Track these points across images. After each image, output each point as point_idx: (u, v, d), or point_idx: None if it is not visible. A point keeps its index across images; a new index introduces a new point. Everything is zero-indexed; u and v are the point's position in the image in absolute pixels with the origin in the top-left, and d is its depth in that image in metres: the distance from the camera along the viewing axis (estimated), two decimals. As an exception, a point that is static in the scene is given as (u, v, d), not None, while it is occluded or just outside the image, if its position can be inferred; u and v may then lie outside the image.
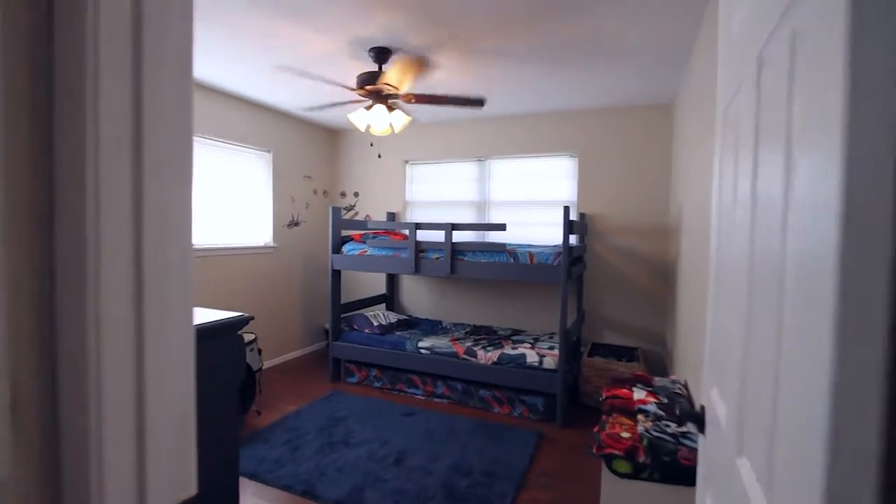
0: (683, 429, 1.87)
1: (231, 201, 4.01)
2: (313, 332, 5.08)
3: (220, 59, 3.03)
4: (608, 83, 3.39)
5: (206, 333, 1.42)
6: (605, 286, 4.12)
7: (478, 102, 3.08)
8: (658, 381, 2.53)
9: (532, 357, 3.40)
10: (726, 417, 0.84)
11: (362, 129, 2.94)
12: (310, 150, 4.92)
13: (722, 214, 0.99)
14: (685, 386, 2.49)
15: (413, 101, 2.99)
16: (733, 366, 0.81)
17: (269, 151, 4.38)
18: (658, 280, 3.93)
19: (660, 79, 3.30)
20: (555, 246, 3.89)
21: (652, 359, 3.97)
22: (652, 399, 2.19)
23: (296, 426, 3.13)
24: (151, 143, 0.43)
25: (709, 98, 2.09)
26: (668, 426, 1.92)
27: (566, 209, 3.16)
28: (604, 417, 2.12)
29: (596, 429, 2.03)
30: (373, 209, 5.12)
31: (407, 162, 4.96)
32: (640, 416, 2.03)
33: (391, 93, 2.82)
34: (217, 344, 1.49)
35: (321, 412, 3.36)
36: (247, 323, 1.60)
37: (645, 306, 4.00)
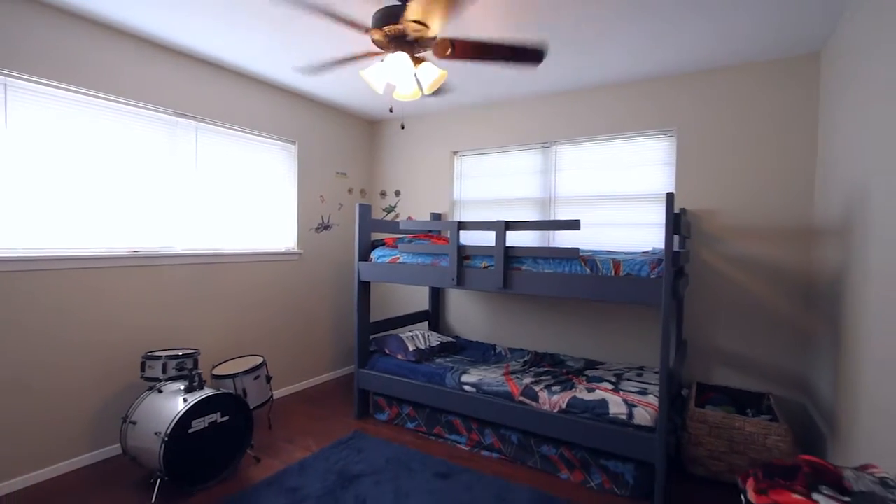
0: None
1: (245, 199, 3.42)
2: (345, 353, 4.38)
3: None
4: (724, 28, 2.39)
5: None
6: (716, 307, 3.04)
7: (534, 54, 2.22)
8: (852, 476, 1.49)
9: (617, 406, 2.43)
10: None
11: (380, 90, 2.18)
12: (344, 142, 4.28)
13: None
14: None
15: (450, 52, 2.20)
16: None
17: (293, 143, 3.77)
18: (796, 301, 2.80)
19: (807, 13, 2.26)
20: (647, 252, 2.89)
21: (790, 411, 2.83)
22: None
23: (296, 486, 2.38)
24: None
25: None
26: None
27: (669, 197, 2.20)
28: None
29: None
30: (416, 210, 4.37)
31: (455, 153, 4.17)
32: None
33: (419, 36, 2.04)
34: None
35: (333, 464, 2.60)
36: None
37: (775, 337, 2.87)
